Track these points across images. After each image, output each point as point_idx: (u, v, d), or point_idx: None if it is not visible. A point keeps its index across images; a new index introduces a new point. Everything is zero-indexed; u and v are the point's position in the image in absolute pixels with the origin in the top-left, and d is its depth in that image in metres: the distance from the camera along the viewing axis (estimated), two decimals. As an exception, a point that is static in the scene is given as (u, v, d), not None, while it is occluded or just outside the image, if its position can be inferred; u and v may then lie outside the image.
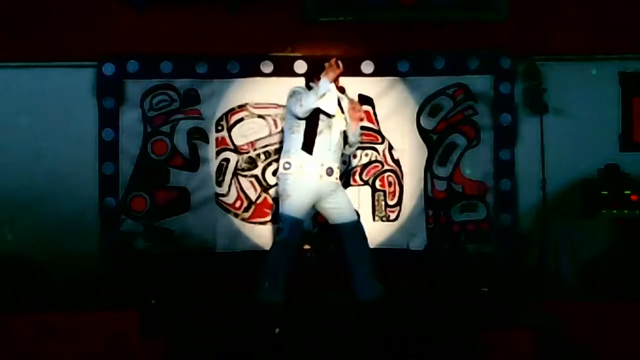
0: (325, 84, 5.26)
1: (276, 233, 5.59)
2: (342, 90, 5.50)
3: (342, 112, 5.51)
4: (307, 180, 5.32)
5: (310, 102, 5.25)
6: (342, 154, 5.57)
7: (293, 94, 5.40)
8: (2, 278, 5.86)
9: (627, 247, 6.09)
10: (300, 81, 5.97)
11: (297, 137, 5.35)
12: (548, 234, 6.38)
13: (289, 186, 5.33)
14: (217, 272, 6.54)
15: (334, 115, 5.35)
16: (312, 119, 5.32)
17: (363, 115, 5.55)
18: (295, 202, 5.33)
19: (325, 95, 5.24)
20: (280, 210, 5.44)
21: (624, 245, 6.09)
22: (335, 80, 5.38)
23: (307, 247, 6.70)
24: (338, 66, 5.31)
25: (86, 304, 5.23)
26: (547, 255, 6.33)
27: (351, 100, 5.57)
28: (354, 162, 6.90)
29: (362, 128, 5.53)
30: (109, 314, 4.89)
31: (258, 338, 4.65)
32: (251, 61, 6.86)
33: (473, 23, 6.96)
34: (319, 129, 5.34)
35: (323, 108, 5.28)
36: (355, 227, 5.48)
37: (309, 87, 5.48)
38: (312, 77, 5.54)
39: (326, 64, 5.31)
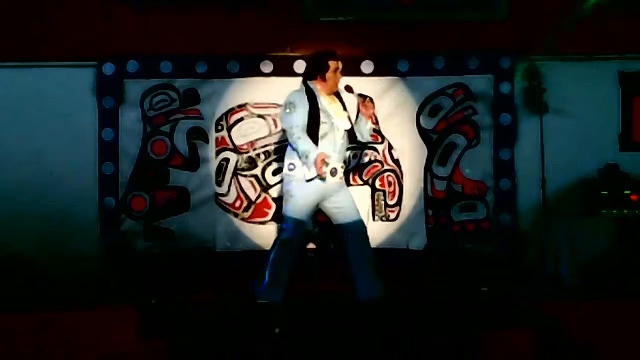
0: (312, 156, 5.24)
1: (279, 233, 5.58)
2: (350, 89, 5.48)
3: (346, 110, 5.50)
4: (313, 181, 5.31)
5: (300, 149, 5.28)
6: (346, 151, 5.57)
7: (286, 106, 5.36)
8: (2, 278, 5.86)
9: (627, 247, 6.09)
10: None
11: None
12: (548, 234, 6.38)
13: (293, 187, 5.33)
14: (217, 272, 6.54)
15: (354, 138, 5.40)
16: (313, 127, 5.31)
17: (374, 111, 5.48)
18: (299, 203, 5.33)
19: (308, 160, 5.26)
20: (283, 210, 5.45)
21: (624, 245, 6.09)
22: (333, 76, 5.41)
23: (311, 247, 6.71)
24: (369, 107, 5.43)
25: (86, 304, 5.23)
26: (547, 255, 6.32)
27: (362, 98, 5.52)
28: (354, 162, 6.90)
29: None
30: (108, 314, 4.90)
31: (258, 338, 4.65)
32: (251, 61, 6.86)
33: (473, 23, 6.96)
34: (322, 133, 5.34)
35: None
36: (357, 228, 5.48)
37: (306, 86, 5.45)
38: (315, 76, 5.48)
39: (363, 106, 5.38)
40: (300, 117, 5.29)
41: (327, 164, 5.26)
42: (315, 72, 5.47)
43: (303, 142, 5.26)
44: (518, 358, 4.63)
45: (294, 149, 5.37)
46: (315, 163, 5.21)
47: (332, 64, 5.44)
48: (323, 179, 5.27)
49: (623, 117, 6.99)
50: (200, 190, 6.85)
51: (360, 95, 5.63)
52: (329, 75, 5.43)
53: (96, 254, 6.65)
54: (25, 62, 6.79)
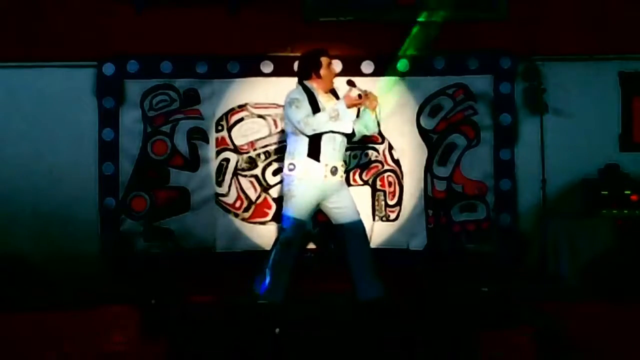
0: (342, 107, 5.24)
1: (279, 233, 5.57)
2: (352, 83, 5.46)
3: None
4: (312, 181, 5.30)
5: (323, 125, 5.23)
6: (346, 150, 5.55)
7: (292, 102, 5.31)
8: (2, 278, 5.86)
9: (627, 247, 6.09)
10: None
11: (300, 138, 5.30)
12: (548, 234, 6.38)
13: (293, 187, 5.31)
14: (217, 272, 6.55)
15: (352, 134, 5.36)
16: None
17: (378, 103, 5.48)
18: (300, 203, 5.31)
19: (339, 116, 5.23)
20: (283, 210, 5.43)
21: (624, 245, 6.09)
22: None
23: (311, 247, 6.70)
24: (361, 97, 5.33)
25: (86, 304, 5.23)
26: (547, 255, 6.33)
27: (364, 92, 5.52)
28: (354, 162, 6.90)
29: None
30: (108, 314, 4.89)
31: (258, 338, 4.65)
32: (251, 61, 6.87)
33: (473, 23, 6.96)
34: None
35: (338, 129, 5.28)
36: (357, 227, 5.47)
37: (302, 86, 5.43)
38: (310, 74, 5.46)
39: (355, 92, 5.30)
40: (307, 107, 5.28)
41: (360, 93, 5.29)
42: (309, 70, 5.46)
43: (320, 115, 5.25)
44: (518, 358, 4.62)
45: (292, 151, 5.37)
46: (348, 97, 5.25)
47: (324, 60, 5.43)
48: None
49: (623, 117, 6.99)
50: (200, 190, 6.85)
51: (363, 90, 5.60)
52: (323, 72, 5.42)
53: (96, 254, 6.66)
54: (25, 62, 6.80)
